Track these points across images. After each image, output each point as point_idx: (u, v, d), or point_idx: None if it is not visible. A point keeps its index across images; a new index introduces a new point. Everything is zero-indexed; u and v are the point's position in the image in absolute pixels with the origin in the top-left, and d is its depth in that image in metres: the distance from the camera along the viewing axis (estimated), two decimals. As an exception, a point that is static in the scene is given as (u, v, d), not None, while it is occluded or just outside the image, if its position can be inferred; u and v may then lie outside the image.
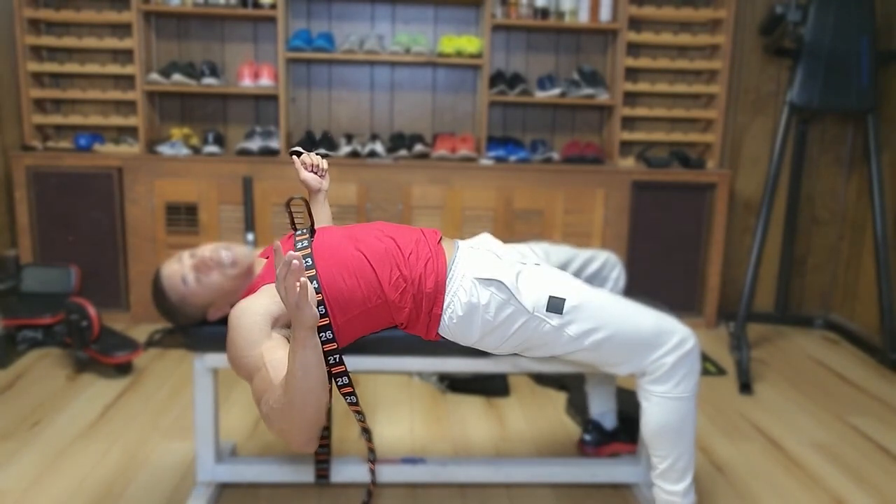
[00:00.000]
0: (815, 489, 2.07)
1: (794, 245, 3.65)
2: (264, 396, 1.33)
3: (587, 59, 3.63)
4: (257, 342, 1.39)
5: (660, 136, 3.58)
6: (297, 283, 1.16)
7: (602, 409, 2.10)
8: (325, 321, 1.46)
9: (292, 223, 1.68)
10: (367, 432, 1.83)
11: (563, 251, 1.92)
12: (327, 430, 1.88)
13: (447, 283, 1.59)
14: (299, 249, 1.56)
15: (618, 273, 1.97)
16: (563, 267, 1.88)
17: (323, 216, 1.84)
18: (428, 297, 1.58)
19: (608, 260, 1.97)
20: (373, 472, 1.86)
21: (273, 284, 1.49)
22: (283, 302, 1.21)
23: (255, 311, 1.43)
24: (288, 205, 1.66)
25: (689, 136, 3.57)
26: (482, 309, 1.57)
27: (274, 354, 1.37)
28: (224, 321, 1.66)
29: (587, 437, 2.10)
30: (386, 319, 1.61)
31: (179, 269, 1.59)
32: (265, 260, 1.67)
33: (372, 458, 1.85)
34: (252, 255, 1.63)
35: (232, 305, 1.59)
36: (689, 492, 1.68)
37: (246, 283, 1.61)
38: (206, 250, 1.60)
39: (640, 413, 1.68)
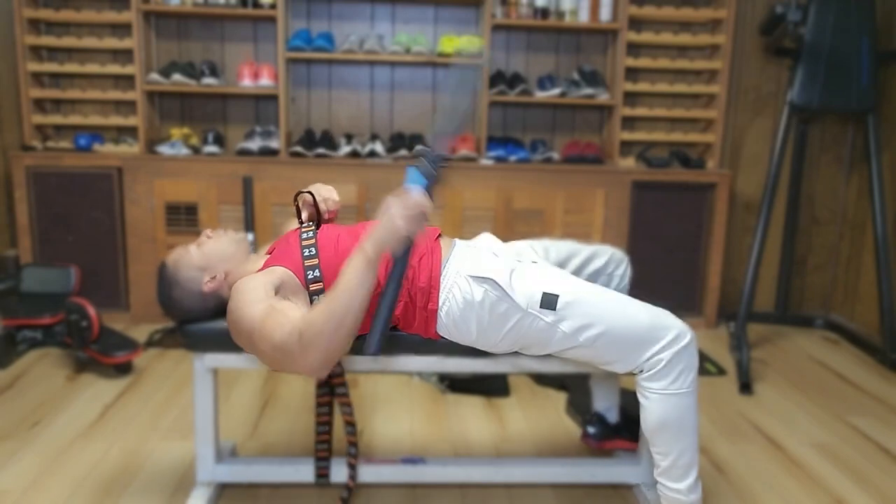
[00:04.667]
0: (815, 489, 2.07)
1: (794, 245, 3.65)
2: (278, 331, 1.38)
3: (587, 59, 3.63)
4: (261, 299, 1.46)
5: (660, 136, 3.58)
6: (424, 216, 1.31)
7: (606, 404, 2.08)
8: None
9: (299, 216, 1.75)
10: (351, 426, 1.84)
11: (564, 248, 1.89)
12: (329, 427, 1.88)
13: (441, 278, 1.61)
14: (304, 240, 1.62)
15: (623, 270, 1.93)
16: (564, 263, 1.86)
17: None
18: (422, 291, 1.61)
19: (613, 256, 1.93)
20: (352, 466, 1.86)
21: (274, 267, 1.57)
22: (389, 225, 1.32)
23: (257, 279, 1.52)
24: (296, 198, 1.75)
25: (690, 136, 3.57)
26: (477, 306, 1.58)
27: (282, 304, 1.45)
28: (220, 315, 1.68)
29: (591, 430, 2.06)
30: None
31: (186, 244, 1.70)
32: (265, 254, 1.71)
33: (353, 452, 1.86)
34: (244, 238, 1.73)
35: (226, 276, 1.67)
36: (694, 488, 1.65)
37: (239, 258, 1.67)
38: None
39: (640, 411, 1.67)
